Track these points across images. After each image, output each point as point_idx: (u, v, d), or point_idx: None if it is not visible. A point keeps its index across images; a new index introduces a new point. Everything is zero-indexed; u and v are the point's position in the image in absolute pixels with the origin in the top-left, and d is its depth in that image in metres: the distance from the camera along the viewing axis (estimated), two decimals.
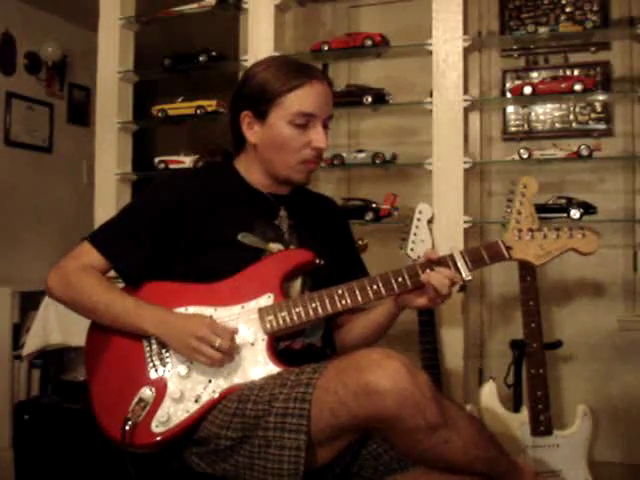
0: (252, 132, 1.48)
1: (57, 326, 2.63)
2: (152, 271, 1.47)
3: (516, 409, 2.10)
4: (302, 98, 1.43)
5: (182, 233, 1.45)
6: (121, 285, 1.49)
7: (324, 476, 1.28)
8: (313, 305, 1.38)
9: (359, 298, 1.39)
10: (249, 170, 1.54)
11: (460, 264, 1.40)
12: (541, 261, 1.43)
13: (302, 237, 1.52)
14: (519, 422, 2.01)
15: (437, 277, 1.37)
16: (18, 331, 3.26)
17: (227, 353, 1.32)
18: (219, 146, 1.64)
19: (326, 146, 1.47)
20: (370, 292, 1.39)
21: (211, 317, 1.38)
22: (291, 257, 1.46)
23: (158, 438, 1.30)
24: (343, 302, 1.39)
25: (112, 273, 1.49)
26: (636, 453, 2.60)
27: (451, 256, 1.41)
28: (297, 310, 1.38)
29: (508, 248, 1.43)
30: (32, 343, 2.68)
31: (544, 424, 1.99)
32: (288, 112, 1.43)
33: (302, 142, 1.45)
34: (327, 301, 1.38)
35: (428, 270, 1.39)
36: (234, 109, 1.51)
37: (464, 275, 1.40)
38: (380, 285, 1.40)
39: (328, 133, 1.49)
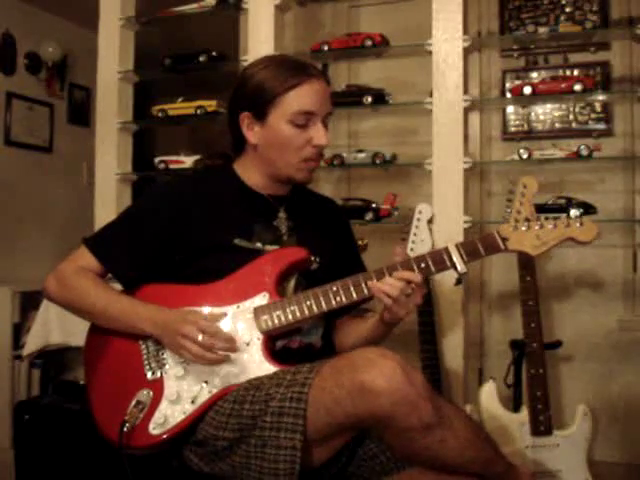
0: (252, 133, 1.48)
1: (57, 326, 2.63)
2: (149, 275, 1.47)
3: (516, 409, 2.10)
4: (301, 97, 1.43)
5: (180, 237, 1.45)
6: (118, 287, 1.50)
7: (321, 476, 1.28)
8: (308, 303, 1.38)
9: (353, 294, 1.39)
10: (248, 171, 1.54)
11: (455, 257, 1.39)
12: (538, 251, 1.42)
13: (301, 238, 1.52)
14: (519, 422, 2.01)
15: (387, 282, 1.35)
16: (18, 331, 3.26)
17: (210, 349, 1.30)
18: (219, 150, 1.64)
19: (327, 143, 1.47)
20: (365, 288, 1.39)
21: (201, 314, 1.37)
22: (285, 255, 1.45)
23: (156, 440, 1.30)
24: (338, 299, 1.38)
25: (110, 275, 1.49)
26: (636, 453, 2.60)
27: (446, 249, 1.40)
28: (292, 308, 1.37)
29: (504, 239, 1.41)
30: (32, 343, 2.68)
31: (544, 424, 1.99)
32: (288, 111, 1.43)
33: (303, 141, 1.45)
34: (322, 299, 1.38)
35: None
36: (233, 111, 1.51)
37: (459, 268, 1.39)
38: (375, 281, 1.39)
39: (328, 130, 1.49)
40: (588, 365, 2.68)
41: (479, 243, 1.41)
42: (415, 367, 1.21)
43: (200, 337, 1.30)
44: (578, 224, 1.41)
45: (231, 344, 1.33)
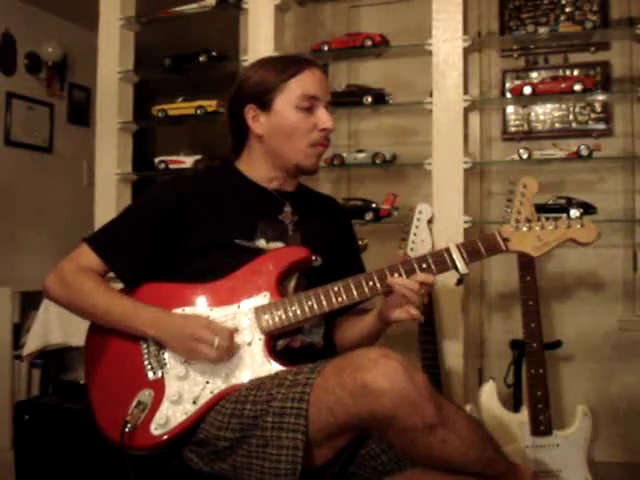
0: (258, 124, 1.49)
1: (57, 326, 2.63)
2: (150, 273, 1.47)
3: (516, 409, 2.10)
4: (304, 82, 1.47)
5: (181, 236, 1.45)
6: (119, 286, 1.49)
7: (322, 476, 1.28)
8: (309, 303, 1.38)
9: (355, 295, 1.39)
10: (253, 167, 1.55)
11: (456, 257, 1.40)
12: (539, 252, 1.42)
13: (306, 234, 1.53)
14: (519, 422, 2.01)
15: (404, 282, 1.36)
16: (18, 331, 3.26)
17: (226, 351, 1.33)
18: (218, 154, 1.65)
19: (333, 126, 1.49)
20: (366, 288, 1.39)
21: (208, 317, 1.38)
22: (286, 255, 1.46)
23: (157, 440, 1.30)
24: (339, 299, 1.38)
25: (111, 274, 1.49)
26: (636, 453, 2.60)
27: (447, 249, 1.41)
28: (293, 308, 1.38)
29: (505, 240, 1.42)
30: (32, 343, 2.68)
31: (544, 424, 1.99)
32: (293, 96, 1.46)
33: (309, 125, 1.47)
34: (323, 298, 1.38)
35: (396, 275, 1.38)
36: (235, 107, 1.52)
37: (460, 269, 1.39)
38: (376, 281, 1.39)
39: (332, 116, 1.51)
40: (588, 365, 2.68)
41: (480, 243, 1.41)
42: (417, 367, 1.21)
43: (217, 341, 1.31)
44: (579, 225, 1.41)
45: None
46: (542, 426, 1.99)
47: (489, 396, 2.07)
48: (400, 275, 1.39)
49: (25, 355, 2.77)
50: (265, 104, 1.47)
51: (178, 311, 1.40)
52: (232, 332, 1.35)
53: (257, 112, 1.49)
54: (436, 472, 1.22)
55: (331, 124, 1.49)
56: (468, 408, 2.07)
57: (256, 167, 1.54)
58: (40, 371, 3.26)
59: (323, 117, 1.48)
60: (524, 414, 2.02)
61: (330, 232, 1.60)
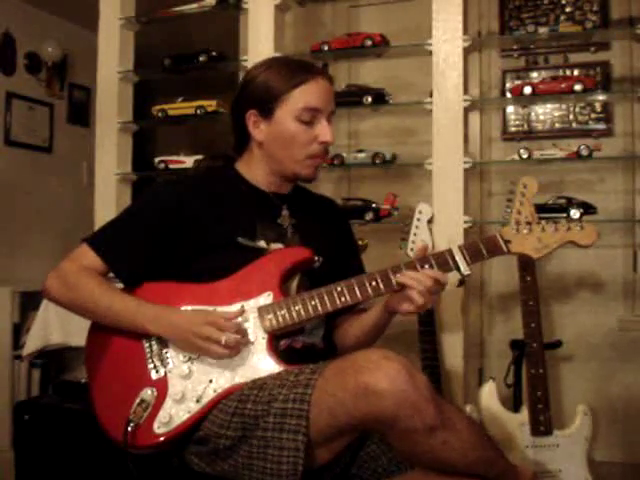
0: (258, 130, 1.49)
1: (57, 326, 2.63)
2: (150, 273, 1.47)
3: (516, 409, 2.10)
4: (307, 94, 1.45)
5: (182, 236, 1.45)
6: (120, 286, 1.49)
7: (323, 477, 1.28)
8: (313, 303, 1.38)
9: (358, 295, 1.39)
10: (252, 170, 1.55)
11: (458, 258, 1.40)
12: (540, 254, 1.44)
13: (304, 236, 1.53)
14: (519, 422, 2.01)
15: (416, 277, 1.37)
16: (18, 331, 3.26)
17: (234, 347, 1.33)
18: (220, 151, 1.65)
19: (332, 140, 1.48)
20: (369, 288, 1.39)
21: (214, 311, 1.38)
22: (289, 255, 1.46)
23: (160, 439, 1.30)
24: (342, 299, 1.39)
25: (111, 274, 1.49)
26: (636, 453, 2.60)
27: (449, 251, 1.41)
28: (297, 308, 1.38)
29: (506, 242, 1.43)
30: (32, 343, 2.68)
31: (544, 424, 1.99)
32: (294, 108, 1.45)
33: (309, 137, 1.47)
34: (326, 298, 1.38)
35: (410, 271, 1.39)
36: (238, 110, 1.52)
37: (462, 270, 1.40)
38: (379, 281, 1.40)
39: (333, 128, 1.51)
40: (588, 365, 2.67)
41: (482, 245, 1.43)
42: (418, 368, 1.21)
43: (224, 339, 1.31)
44: (579, 228, 1.43)
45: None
46: (542, 426, 1.99)
47: (489, 396, 2.07)
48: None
49: (25, 355, 2.77)
50: (266, 111, 1.47)
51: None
52: (238, 325, 1.35)
53: (258, 118, 1.48)
54: (436, 474, 1.22)
55: (330, 137, 1.47)
56: (468, 408, 2.07)
57: (255, 170, 1.54)
58: (40, 371, 3.26)
59: (323, 130, 1.47)
60: (524, 414, 2.02)
61: (328, 233, 1.61)
